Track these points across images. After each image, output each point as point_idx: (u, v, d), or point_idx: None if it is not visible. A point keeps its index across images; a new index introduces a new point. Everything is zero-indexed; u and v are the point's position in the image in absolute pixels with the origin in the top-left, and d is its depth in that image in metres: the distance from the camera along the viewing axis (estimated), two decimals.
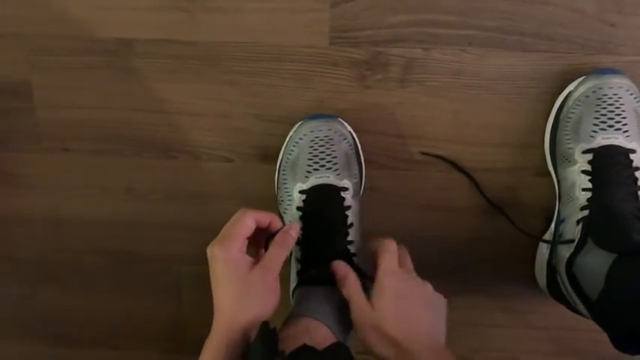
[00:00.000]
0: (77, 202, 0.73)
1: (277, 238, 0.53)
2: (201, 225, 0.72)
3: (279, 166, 0.66)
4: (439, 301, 0.54)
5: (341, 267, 0.56)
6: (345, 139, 0.64)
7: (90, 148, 0.71)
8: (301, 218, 0.62)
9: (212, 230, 0.68)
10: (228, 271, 0.50)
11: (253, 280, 0.50)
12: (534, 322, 0.74)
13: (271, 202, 0.67)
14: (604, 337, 0.56)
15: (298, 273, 0.62)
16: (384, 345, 0.51)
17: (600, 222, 0.57)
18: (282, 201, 0.65)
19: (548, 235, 0.67)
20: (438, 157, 0.68)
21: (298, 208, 0.62)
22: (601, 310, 0.55)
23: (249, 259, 0.51)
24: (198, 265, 0.70)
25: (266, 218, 0.54)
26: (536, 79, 0.64)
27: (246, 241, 0.52)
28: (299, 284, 0.61)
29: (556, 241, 0.62)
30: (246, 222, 0.52)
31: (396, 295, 0.52)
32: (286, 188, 0.64)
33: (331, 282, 0.57)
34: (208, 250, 0.51)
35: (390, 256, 0.54)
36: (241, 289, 0.50)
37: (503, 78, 0.64)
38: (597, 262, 0.55)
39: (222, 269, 0.50)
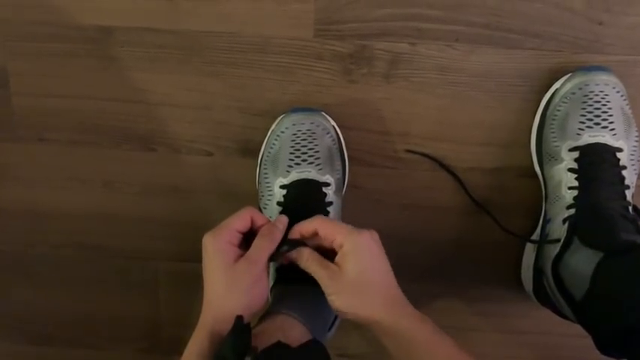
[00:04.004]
0: (53, 194, 0.72)
1: (263, 229, 0.53)
2: (179, 220, 0.72)
3: (261, 160, 0.65)
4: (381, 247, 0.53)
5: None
6: (327, 133, 0.63)
7: (67, 139, 0.69)
8: (281, 214, 0.59)
9: (191, 226, 0.70)
10: (215, 261, 0.50)
11: (238, 271, 0.49)
12: (518, 326, 0.73)
13: (252, 198, 0.66)
14: (590, 342, 0.55)
15: (277, 270, 0.60)
16: (365, 304, 0.50)
17: (587, 221, 0.56)
18: (263, 196, 0.64)
19: (534, 237, 0.66)
20: (423, 155, 0.67)
21: (279, 204, 0.61)
22: (585, 311, 0.54)
23: (238, 251, 0.51)
24: (176, 261, 0.73)
25: (263, 221, 0.53)
26: (523, 77, 0.64)
27: (239, 235, 0.52)
28: (277, 282, 0.60)
29: (542, 241, 0.61)
30: (242, 216, 0.52)
31: (366, 251, 0.51)
32: (267, 183, 0.63)
33: (310, 280, 0.55)
34: (203, 240, 0.51)
35: (331, 222, 0.53)
36: (227, 280, 0.49)
37: (490, 75, 0.64)
38: (583, 262, 0.55)
39: (209, 259, 0.50)
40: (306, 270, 0.52)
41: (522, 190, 0.67)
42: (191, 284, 0.72)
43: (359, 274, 0.50)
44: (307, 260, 0.52)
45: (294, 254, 0.53)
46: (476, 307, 0.73)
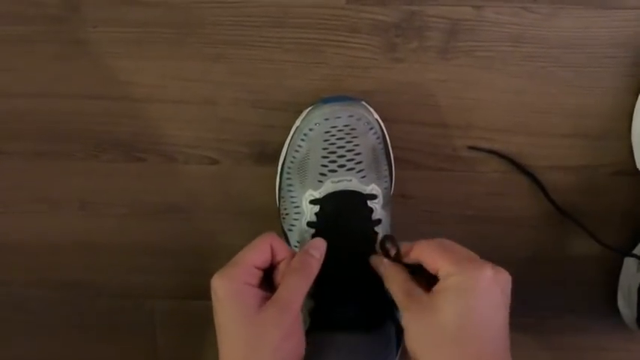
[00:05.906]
0: (16, 221, 0.64)
1: (294, 262, 0.46)
2: (178, 248, 0.65)
3: (282, 168, 0.56)
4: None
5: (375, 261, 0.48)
6: (371, 128, 0.53)
7: (30, 150, 0.62)
8: (314, 237, 0.52)
9: (193, 254, 0.64)
10: (230, 311, 0.43)
11: (264, 321, 0.42)
12: None
13: (271, 217, 0.58)
14: None
15: (311, 313, 0.51)
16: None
17: None
18: (287, 214, 0.55)
19: (638, 251, 0.57)
20: (490, 152, 0.59)
21: (310, 224, 0.52)
22: None
23: (261, 293, 0.44)
24: (176, 299, 0.66)
25: (286, 252, 0.47)
26: (622, 47, 0.56)
27: (258, 273, 0.45)
28: (312, 328, 0.51)
29: None
30: (260, 246, 0.46)
31: (481, 293, 0.41)
32: (292, 197, 0.54)
33: (358, 326, 0.49)
34: (212, 283, 0.45)
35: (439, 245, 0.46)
36: (249, 336, 0.42)
37: (579, 45, 0.56)
38: None
39: (222, 308, 0.43)
40: (387, 286, 0.46)
41: (619, 192, 0.60)
42: (194, 327, 0.66)
43: (458, 321, 0.40)
44: (393, 281, 0.45)
45: (378, 263, 0.47)
46: (555, 341, 0.65)
